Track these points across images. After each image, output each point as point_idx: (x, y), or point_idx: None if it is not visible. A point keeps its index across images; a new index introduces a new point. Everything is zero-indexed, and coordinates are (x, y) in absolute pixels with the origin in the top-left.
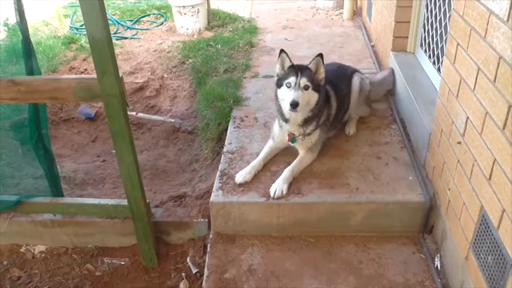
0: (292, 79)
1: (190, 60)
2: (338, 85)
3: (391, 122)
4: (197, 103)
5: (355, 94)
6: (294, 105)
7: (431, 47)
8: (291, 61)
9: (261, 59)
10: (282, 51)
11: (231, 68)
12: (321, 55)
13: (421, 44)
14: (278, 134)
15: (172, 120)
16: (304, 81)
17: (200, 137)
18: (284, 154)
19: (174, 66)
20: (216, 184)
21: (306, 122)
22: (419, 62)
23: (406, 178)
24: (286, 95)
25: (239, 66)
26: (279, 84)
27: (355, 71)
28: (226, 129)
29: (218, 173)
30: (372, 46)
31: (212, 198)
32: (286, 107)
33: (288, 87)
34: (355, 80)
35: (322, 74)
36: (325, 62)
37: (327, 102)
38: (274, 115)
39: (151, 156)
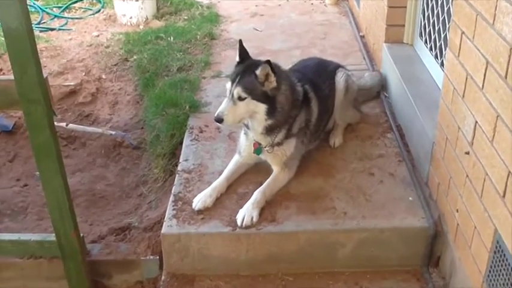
0: (228, 85)
1: (134, 57)
2: (319, 85)
3: (385, 129)
4: (144, 110)
5: (340, 95)
6: (216, 120)
7: (433, 37)
8: (239, 55)
9: (224, 54)
10: (240, 42)
11: (186, 66)
12: (268, 62)
13: (421, 33)
14: (245, 146)
15: (113, 132)
16: (238, 91)
17: (148, 153)
18: (254, 172)
19: (115, 65)
20: (169, 211)
21: (269, 130)
22: (419, 55)
23: (405, 199)
24: None
25: (197, 64)
26: None
27: (338, 66)
28: (181, 143)
29: (171, 198)
30: (361, 37)
31: (164, 229)
32: None
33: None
34: (340, 78)
35: (272, 83)
36: (304, 57)
37: (305, 106)
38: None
39: (86, 179)
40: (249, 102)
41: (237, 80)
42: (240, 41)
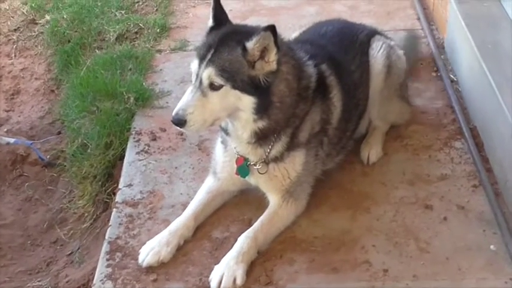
0: (194, 64)
1: (47, 17)
2: (343, 64)
3: (452, 135)
4: (62, 105)
5: (378, 79)
6: (176, 123)
7: None
8: (213, 18)
9: (193, 13)
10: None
11: (130, 33)
12: (272, 28)
13: None
14: (223, 162)
15: (12, 140)
16: (210, 75)
17: (69, 173)
18: (239, 204)
19: (15, 30)
20: (101, 269)
21: (261, 137)
22: (508, 14)
23: (484, 247)
24: None
25: (148, 29)
26: None
27: (374, 33)
28: (122, 157)
29: (105, 247)
30: None
31: None
32: None
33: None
34: (377, 51)
35: (270, 65)
36: (320, 19)
37: (320, 99)
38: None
39: None
40: (228, 93)
41: (209, 56)
42: None
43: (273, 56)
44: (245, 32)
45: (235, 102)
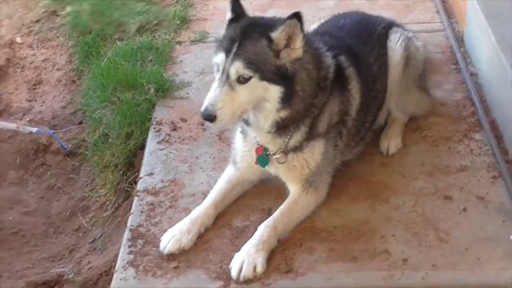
0: (219, 58)
1: (68, 9)
2: (362, 55)
3: (471, 127)
4: (84, 95)
5: (397, 71)
6: (206, 117)
7: None
8: (232, 11)
9: (213, 4)
10: None
11: (151, 25)
12: (297, 15)
13: None
14: (243, 152)
15: (34, 129)
16: (238, 68)
17: (90, 162)
18: (259, 194)
19: (37, 21)
20: (123, 256)
21: (281, 126)
22: None
23: (503, 238)
24: None
25: (168, 21)
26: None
27: (392, 25)
28: (143, 147)
29: (127, 234)
30: None
31: (115, 284)
32: None
33: (217, 70)
34: (395, 43)
35: (297, 52)
36: (339, 11)
37: (339, 90)
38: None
39: None
40: (255, 85)
41: (234, 50)
42: None
43: (299, 42)
44: (265, 24)
45: (262, 93)
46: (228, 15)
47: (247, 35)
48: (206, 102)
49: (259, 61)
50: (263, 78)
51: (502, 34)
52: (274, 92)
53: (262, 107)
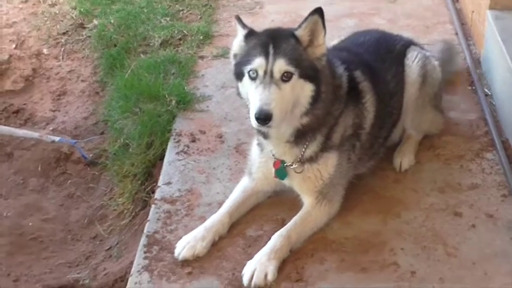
0: (257, 63)
1: (95, 22)
2: (379, 72)
3: (484, 146)
4: (106, 106)
5: (413, 88)
6: (263, 118)
7: None
8: (244, 26)
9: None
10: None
11: (174, 39)
12: (319, 11)
13: None
14: (259, 163)
15: (57, 138)
16: (281, 64)
17: (110, 172)
18: (273, 204)
19: (64, 33)
20: (139, 260)
21: (299, 135)
22: None
23: (511, 254)
24: (251, 95)
25: (191, 36)
26: (237, 74)
27: (410, 43)
28: (162, 158)
29: (143, 240)
30: (454, 0)
31: (130, 287)
32: (252, 118)
33: (252, 78)
34: (412, 61)
35: (321, 48)
36: (361, 29)
37: (353, 103)
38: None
39: (11, 209)
40: (296, 83)
41: (272, 51)
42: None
43: (321, 38)
44: (287, 28)
45: (299, 92)
46: (242, 31)
47: (276, 38)
48: (258, 104)
49: (297, 57)
50: (302, 75)
51: None
52: (308, 90)
53: (297, 107)
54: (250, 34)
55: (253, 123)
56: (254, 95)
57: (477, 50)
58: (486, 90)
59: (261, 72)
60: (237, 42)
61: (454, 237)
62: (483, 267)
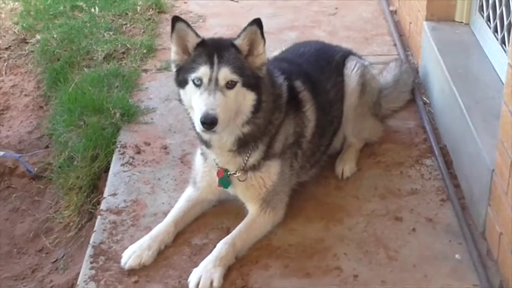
0: (202, 71)
1: (38, 37)
2: (318, 81)
3: (423, 153)
4: (50, 120)
5: (353, 97)
6: (209, 123)
7: (499, 11)
8: (197, 35)
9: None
10: (176, 19)
11: (118, 53)
12: (257, 21)
13: (481, 7)
14: (202, 172)
15: (1, 153)
16: (226, 73)
17: (55, 185)
18: (218, 213)
19: (6, 48)
20: (85, 271)
21: (242, 143)
22: (478, 40)
23: (450, 256)
24: (195, 101)
25: (135, 49)
26: (180, 81)
27: (349, 53)
28: (107, 170)
29: (89, 251)
30: (392, 12)
31: None
32: (197, 123)
33: (197, 85)
34: (351, 70)
35: (261, 57)
36: (301, 40)
37: (294, 112)
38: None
39: None
40: (239, 91)
41: (216, 60)
42: (178, 19)
43: (261, 47)
44: (230, 38)
45: (242, 100)
46: (192, 38)
47: (219, 48)
48: (204, 108)
49: (240, 66)
50: (245, 83)
51: (453, 65)
52: (250, 99)
53: (240, 114)
54: (200, 44)
55: (198, 127)
56: (199, 100)
57: (415, 61)
58: (424, 98)
59: (205, 80)
60: (176, 52)
61: (395, 241)
62: (423, 270)
